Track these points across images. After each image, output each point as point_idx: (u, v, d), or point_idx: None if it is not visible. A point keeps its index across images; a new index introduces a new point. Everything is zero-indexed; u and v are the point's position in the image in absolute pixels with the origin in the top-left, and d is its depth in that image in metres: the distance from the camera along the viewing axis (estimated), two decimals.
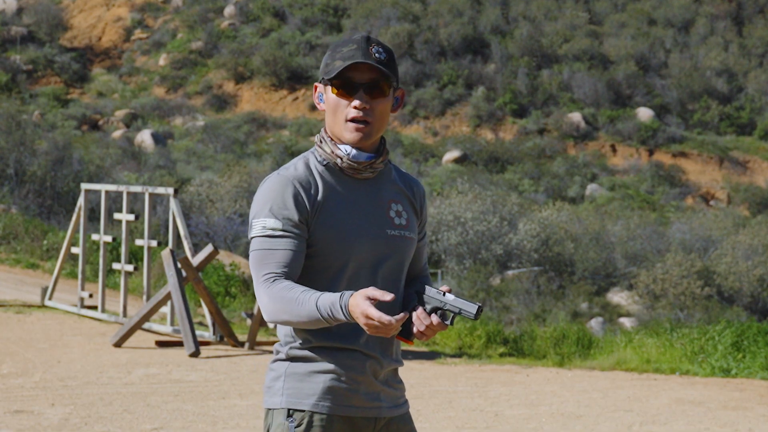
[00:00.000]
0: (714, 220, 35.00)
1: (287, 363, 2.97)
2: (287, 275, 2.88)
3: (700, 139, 48.25)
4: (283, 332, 2.99)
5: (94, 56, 53.51)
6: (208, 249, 12.68)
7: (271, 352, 12.82)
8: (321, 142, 2.98)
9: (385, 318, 2.72)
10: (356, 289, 2.89)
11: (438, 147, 46.22)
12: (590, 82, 49.49)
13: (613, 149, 47.28)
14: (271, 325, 2.69)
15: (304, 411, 2.93)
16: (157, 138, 42.59)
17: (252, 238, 2.94)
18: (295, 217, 2.89)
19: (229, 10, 55.32)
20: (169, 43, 53.47)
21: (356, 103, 2.91)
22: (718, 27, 55.92)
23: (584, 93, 49.37)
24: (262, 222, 2.90)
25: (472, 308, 2.87)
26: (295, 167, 2.95)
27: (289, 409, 2.94)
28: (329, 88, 2.95)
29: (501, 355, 13.78)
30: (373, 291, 2.73)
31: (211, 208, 28.56)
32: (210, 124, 45.69)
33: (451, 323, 2.93)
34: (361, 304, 2.73)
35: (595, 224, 33.41)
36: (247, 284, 18.81)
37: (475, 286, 28.12)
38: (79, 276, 15.05)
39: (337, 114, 2.94)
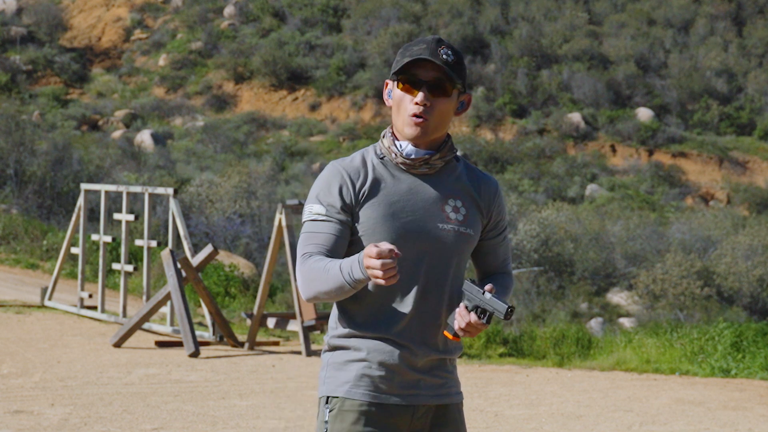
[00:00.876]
0: (713, 221, 34.99)
1: (330, 354, 3.10)
2: (324, 255, 3.00)
3: (699, 140, 48.25)
4: (330, 320, 3.11)
5: (94, 56, 53.50)
6: (208, 249, 12.68)
7: (270, 352, 12.83)
8: (383, 137, 3.12)
9: (374, 250, 2.79)
10: (399, 281, 3.00)
11: None
12: (590, 83, 49.48)
13: (613, 149, 47.28)
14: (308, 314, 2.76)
15: (338, 397, 3.04)
16: (157, 138, 42.58)
17: (303, 223, 3.10)
18: (338, 204, 3.02)
19: (228, 10, 55.32)
20: (169, 43, 53.46)
21: (418, 98, 3.02)
22: (718, 27, 55.91)
23: (584, 93, 49.36)
24: (309, 208, 3.06)
25: (502, 308, 2.93)
26: (351, 159, 3.11)
27: (327, 396, 3.06)
28: (396, 83, 3.07)
29: (501, 355, 13.78)
30: (383, 243, 2.82)
31: (211, 208, 28.55)
32: (210, 125, 45.68)
33: (488, 322, 2.97)
34: (367, 249, 2.82)
35: (594, 224, 33.40)
36: (246, 284, 18.81)
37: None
38: (79, 276, 15.05)
39: (401, 109, 3.06)
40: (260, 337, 13.84)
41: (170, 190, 13.80)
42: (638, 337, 13.67)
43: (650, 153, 47.07)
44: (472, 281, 3.04)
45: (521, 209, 33.65)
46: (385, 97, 3.15)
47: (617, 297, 29.56)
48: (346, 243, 3.03)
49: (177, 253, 13.31)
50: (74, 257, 18.59)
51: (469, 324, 2.96)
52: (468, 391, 10.35)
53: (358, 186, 3.04)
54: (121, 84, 50.91)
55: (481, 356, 13.48)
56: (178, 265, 12.50)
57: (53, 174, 27.91)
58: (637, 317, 26.75)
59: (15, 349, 11.73)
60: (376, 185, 3.04)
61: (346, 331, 3.05)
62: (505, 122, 48.55)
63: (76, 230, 15.40)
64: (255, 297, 16.65)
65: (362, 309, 3.04)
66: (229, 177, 30.49)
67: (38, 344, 12.16)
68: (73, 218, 15.17)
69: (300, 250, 3.03)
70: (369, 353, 3.02)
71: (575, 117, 47.86)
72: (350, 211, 3.03)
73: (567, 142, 47.16)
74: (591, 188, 43.34)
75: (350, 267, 2.87)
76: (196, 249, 15.06)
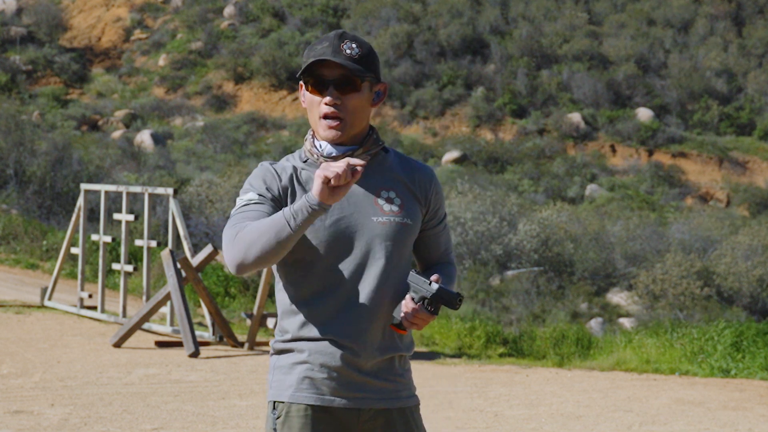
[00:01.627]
0: (713, 221, 35.00)
1: (276, 357, 3.04)
2: None
3: (699, 140, 48.26)
4: (277, 327, 3.05)
5: (94, 56, 53.51)
6: (208, 249, 12.68)
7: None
8: (305, 139, 3.07)
9: (333, 166, 2.75)
10: (337, 280, 2.95)
11: (437, 147, 46.23)
12: (590, 83, 49.49)
13: (613, 149, 47.29)
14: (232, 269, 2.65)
15: (284, 402, 2.98)
16: (157, 138, 42.58)
17: (233, 215, 3.02)
18: (268, 195, 2.97)
19: (228, 10, 55.32)
20: (169, 43, 53.47)
21: (327, 99, 2.97)
22: (718, 27, 55.91)
23: (584, 93, 49.37)
24: (241, 198, 3.00)
25: (451, 297, 2.89)
26: (280, 161, 3.06)
27: (274, 402, 3.01)
28: (305, 85, 3.03)
29: (501, 355, 13.78)
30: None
31: (211, 208, 28.55)
32: (209, 125, 45.69)
33: (436, 313, 2.93)
34: (317, 171, 2.79)
35: (594, 224, 33.40)
36: (246, 285, 18.81)
37: (475, 286, 28.11)
38: (79, 276, 15.05)
39: (313, 111, 3.02)
40: (260, 337, 13.83)
41: (170, 191, 13.80)
42: (638, 337, 13.67)
43: (650, 153, 47.08)
44: (417, 272, 2.98)
45: (521, 210, 33.64)
46: (300, 98, 3.10)
47: (617, 297, 29.56)
48: None
49: (177, 253, 13.31)
50: (74, 257, 18.58)
51: (416, 315, 2.91)
52: (468, 391, 10.35)
53: (285, 185, 2.99)
54: (120, 84, 50.91)
55: (481, 356, 13.48)
56: (178, 265, 12.50)
57: (53, 174, 27.90)
58: (637, 317, 26.74)
59: (15, 349, 11.73)
60: (302, 189, 3.00)
61: (290, 334, 2.99)
62: (504, 122, 48.55)
63: (76, 230, 15.40)
64: (255, 297, 16.65)
65: (304, 310, 2.98)
66: (229, 177, 30.49)
67: (38, 344, 12.16)
68: (73, 218, 15.17)
69: (230, 229, 2.92)
70: (311, 355, 2.96)
71: (575, 117, 47.87)
72: (280, 204, 2.98)
73: (567, 142, 47.17)
74: (591, 188, 43.34)
75: (293, 204, 2.83)
76: (196, 249, 15.06)
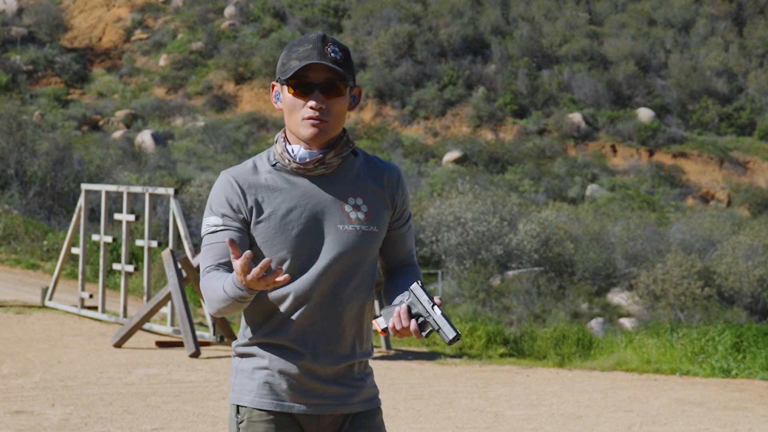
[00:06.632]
0: (714, 221, 35.00)
1: (238, 359, 3.04)
2: (225, 266, 2.92)
3: (700, 140, 48.26)
4: (240, 330, 3.05)
5: (95, 57, 53.52)
6: None
7: None
8: (276, 142, 3.00)
9: (237, 262, 2.71)
10: (301, 288, 2.93)
11: (438, 147, 46.23)
12: (590, 83, 49.50)
13: (614, 150, 47.29)
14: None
15: (246, 407, 2.98)
16: (158, 138, 42.60)
17: (202, 237, 3.00)
18: (231, 213, 2.93)
19: (229, 10, 55.33)
20: (170, 43, 53.48)
21: (312, 103, 2.90)
22: (718, 27, 55.92)
23: (584, 93, 49.38)
24: (206, 221, 2.96)
25: (450, 333, 2.83)
26: (243, 166, 2.99)
27: (237, 406, 3.00)
28: (286, 87, 2.93)
29: (501, 355, 13.78)
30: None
31: None
32: (210, 125, 45.70)
33: (426, 336, 2.89)
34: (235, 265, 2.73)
35: (595, 225, 33.41)
36: None
37: (475, 286, 28.12)
38: (80, 276, 15.05)
39: (294, 114, 2.93)
40: None
41: (171, 191, 13.80)
42: (639, 337, 13.68)
43: (651, 153, 47.08)
44: (422, 284, 2.92)
45: (521, 210, 33.65)
46: (272, 100, 3.01)
47: (618, 297, 29.56)
48: (246, 248, 2.92)
49: (177, 253, 13.31)
50: (75, 257, 18.60)
51: (405, 329, 2.88)
52: (468, 392, 10.36)
53: (248, 195, 2.93)
54: (121, 84, 50.93)
55: (482, 356, 13.48)
56: (179, 265, 12.51)
57: (54, 174, 27.92)
58: (637, 317, 26.75)
59: (15, 349, 11.74)
60: (268, 194, 2.93)
61: (251, 338, 2.98)
62: (505, 122, 48.56)
63: (76, 230, 15.40)
64: None
65: (265, 317, 2.96)
66: None
67: (38, 344, 12.17)
68: (74, 218, 15.17)
69: (201, 265, 2.95)
70: (271, 361, 2.95)
71: (576, 117, 47.87)
72: (244, 219, 2.93)
73: (567, 143, 47.17)
74: (591, 188, 43.35)
75: (230, 286, 2.80)
76: (196, 249, 15.06)
